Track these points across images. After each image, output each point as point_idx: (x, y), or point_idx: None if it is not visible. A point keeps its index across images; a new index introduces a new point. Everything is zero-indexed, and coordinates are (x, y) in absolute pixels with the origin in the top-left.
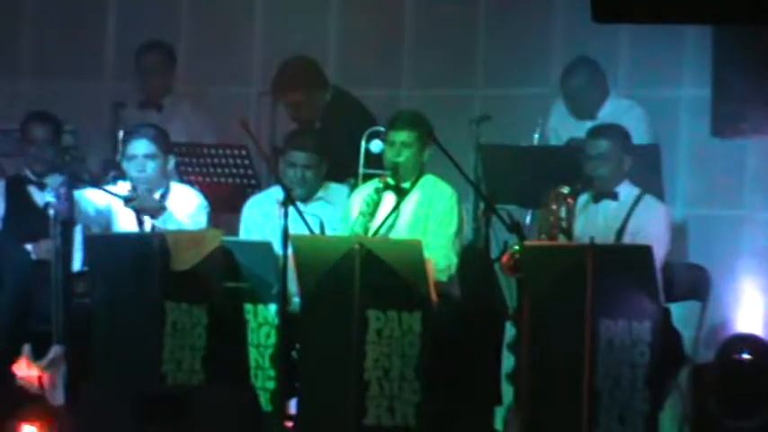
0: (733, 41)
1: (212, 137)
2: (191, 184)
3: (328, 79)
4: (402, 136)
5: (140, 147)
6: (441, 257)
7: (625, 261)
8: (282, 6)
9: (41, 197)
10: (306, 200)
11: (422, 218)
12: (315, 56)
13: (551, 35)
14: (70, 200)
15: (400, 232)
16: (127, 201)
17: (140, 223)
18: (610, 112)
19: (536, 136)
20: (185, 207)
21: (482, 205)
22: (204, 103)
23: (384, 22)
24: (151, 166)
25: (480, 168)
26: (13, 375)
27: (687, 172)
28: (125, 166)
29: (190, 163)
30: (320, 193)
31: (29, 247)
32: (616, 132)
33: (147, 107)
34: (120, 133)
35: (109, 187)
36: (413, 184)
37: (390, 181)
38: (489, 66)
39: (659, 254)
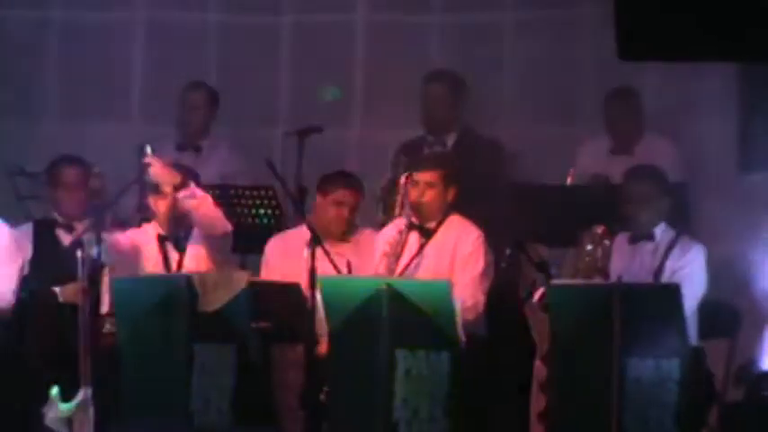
0: (759, 78)
1: (247, 179)
2: None
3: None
4: (426, 176)
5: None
6: (468, 297)
7: (653, 299)
8: (308, 47)
9: (69, 240)
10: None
11: (447, 258)
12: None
13: (580, 70)
14: (99, 243)
15: (425, 273)
16: None
17: (166, 260)
18: (645, 148)
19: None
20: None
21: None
22: (239, 144)
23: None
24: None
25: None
26: (42, 418)
27: (714, 207)
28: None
29: (220, 204)
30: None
31: (56, 289)
32: (658, 174)
33: (186, 149)
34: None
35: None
36: (438, 224)
37: (414, 221)
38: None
39: (696, 294)
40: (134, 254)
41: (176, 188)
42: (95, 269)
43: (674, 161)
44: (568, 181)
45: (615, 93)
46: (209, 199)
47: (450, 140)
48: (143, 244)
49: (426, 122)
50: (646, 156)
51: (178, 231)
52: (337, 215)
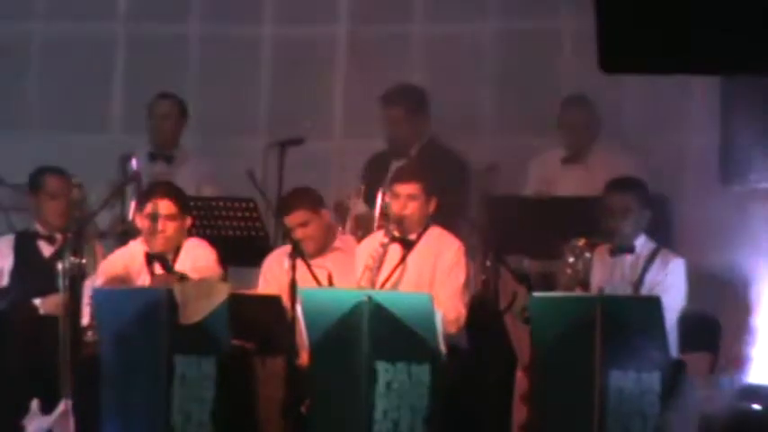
0: (741, 90)
1: (218, 190)
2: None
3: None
4: (408, 188)
5: (163, 207)
6: (449, 309)
7: (634, 312)
8: (289, 59)
9: (50, 252)
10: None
11: (429, 270)
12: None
13: (560, 82)
14: (79, 255)
15: (407, 285)
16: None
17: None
18: (600, 159)
19: None
20: (198, 261)
21: (490, 256)
22: (211, 155)
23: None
24: (172, 227)
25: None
26: (22, 430)
27: (695, 219)
28: (141, 223)
29: (198, 216)
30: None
31: (37, 301)
32: (639, 186)
33: (157, 159)
34: (131, 188)
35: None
36: (419, 237)
37: (395, 234)
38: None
39: (676, 307)
40: (125, 277)
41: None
42: (75, 280)
43: (639, 170)
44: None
45: (570, 100)
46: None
47: (414, 151)
48: (130, 263)
49: (388, 142)
50: (600, 166)
51: (166, 252)
52: (303, 235)
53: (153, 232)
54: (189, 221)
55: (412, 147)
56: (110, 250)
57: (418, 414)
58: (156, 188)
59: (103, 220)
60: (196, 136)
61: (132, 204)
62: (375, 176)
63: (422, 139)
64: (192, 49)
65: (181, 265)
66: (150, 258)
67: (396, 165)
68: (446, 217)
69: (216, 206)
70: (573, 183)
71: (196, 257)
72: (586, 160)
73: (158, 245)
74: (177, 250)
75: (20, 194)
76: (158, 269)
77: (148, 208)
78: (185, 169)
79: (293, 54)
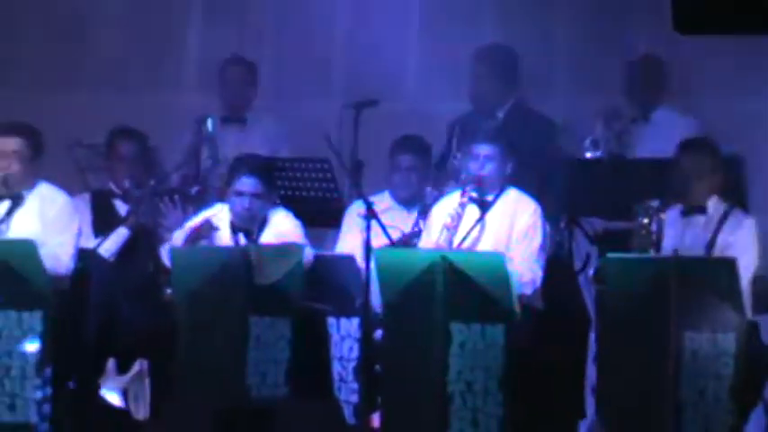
0: None
1: (291, 151)
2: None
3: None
4: (486, 150)
5: (249, 185)
6: (525, 270)
7: (709, 273)
8: (364, 21)
9: (125, 210)
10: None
11: (505, 231)
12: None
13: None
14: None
15: (484, 245)
16: None
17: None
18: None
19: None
20: (283, 236)
21: (565, 217)
22: (285, 117)
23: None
24: (258, 205)
25: (564, 181)
26: (98, 390)
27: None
28: (228, 196)
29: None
30: None
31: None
32: (711, 147)
33: (230, 122)
34: (205, 149)
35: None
36: (496, 198)
37: (473, 194)
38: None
39: (749, 267)
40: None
41: None
42: (150, 238)
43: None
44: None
45: (639, 61)
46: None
47: (501, 113)
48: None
49: (474, 100)
50: (666, 126)
51: (252, 225)
52: (402, 180)
53: (239, 208)
54: (274, 197)
55: (498, 107)
56: (182, 210)
57: (492, 375)
58: (242, 165)
59: (175, 179)
60: (270, 98)
61: (204, 165)
62: (461, 137)
63: (508, 99)
64: (268, 9)
65: (266, 238)
66: (235, 229)
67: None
68: (530, 179)
69: (290, 167)
70: (639, 141)
71: (281, 232)
72: (654, 119)
73: (244, 220)
74: (264, 221)
75: (96, 154)
76: (242, 240)
77: (236, 185)
78: (259, 132)
79: (367, 17)
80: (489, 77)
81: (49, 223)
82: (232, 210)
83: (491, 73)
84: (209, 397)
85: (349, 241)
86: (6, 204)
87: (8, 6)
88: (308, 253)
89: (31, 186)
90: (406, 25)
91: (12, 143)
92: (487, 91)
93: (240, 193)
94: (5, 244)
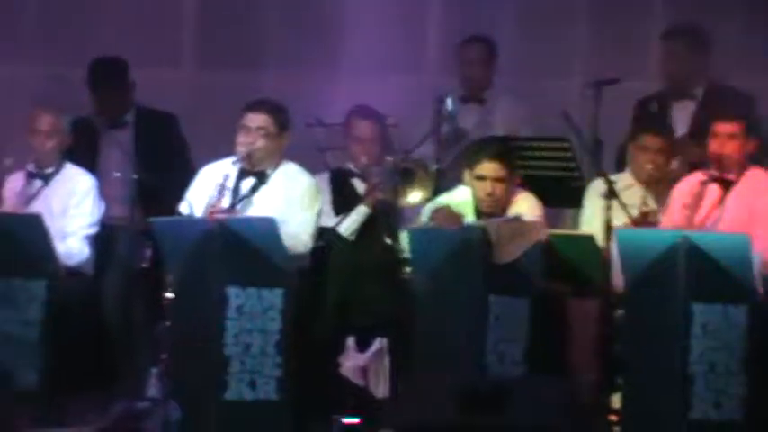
0: None
1: (531, 130)
2: None
3: None
4: (728, 127)
5: (490, 169)
6: None
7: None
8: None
9: (363, 189)
10: None
11: (747, 211)
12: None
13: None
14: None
15: (725, 225)
16: None
17: None
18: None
19: None
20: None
21: None
22: (525, 96)
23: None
24: (500, 188)
25: None
26: (338, 367)
27: None
28: (473, 184)
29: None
30: None
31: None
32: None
33: (469, 101)
34: (445, 129)
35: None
36: (738, 177)
37: (714, 173)
38: None
39: None
40: None
41: None
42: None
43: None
44: None
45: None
46: None
47: (698, 92)
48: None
49: (667, 80)
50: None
51: (496, 209)
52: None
53: (482, 193)
54: (517, 180)
55: (693, 86)
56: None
57: (735, 355)
58: (484, 150)
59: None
60: (511, 77)
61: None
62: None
63: (702, 79)
64: None
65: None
66: (478, 214)
67: (677, 106)
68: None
69: (530, 146)
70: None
71: (521, 213)
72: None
73: (486, 206)
74: (506, 204)
75: (335, 134)
76: None
77: (477, 169)
78: (498, 111)
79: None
80: (680, 57)
81: (292, 202)
82: (474, 195)
83: (681, 51)
84: (448, 375)
85: (590, 220)
86: (251, 181)
87: None
88: (544, 233)
89: (276, 165)
90: (648, 5)
91: (258, 119)
92: (679, 69)
93: (482, 178)
94: (247, 221)
